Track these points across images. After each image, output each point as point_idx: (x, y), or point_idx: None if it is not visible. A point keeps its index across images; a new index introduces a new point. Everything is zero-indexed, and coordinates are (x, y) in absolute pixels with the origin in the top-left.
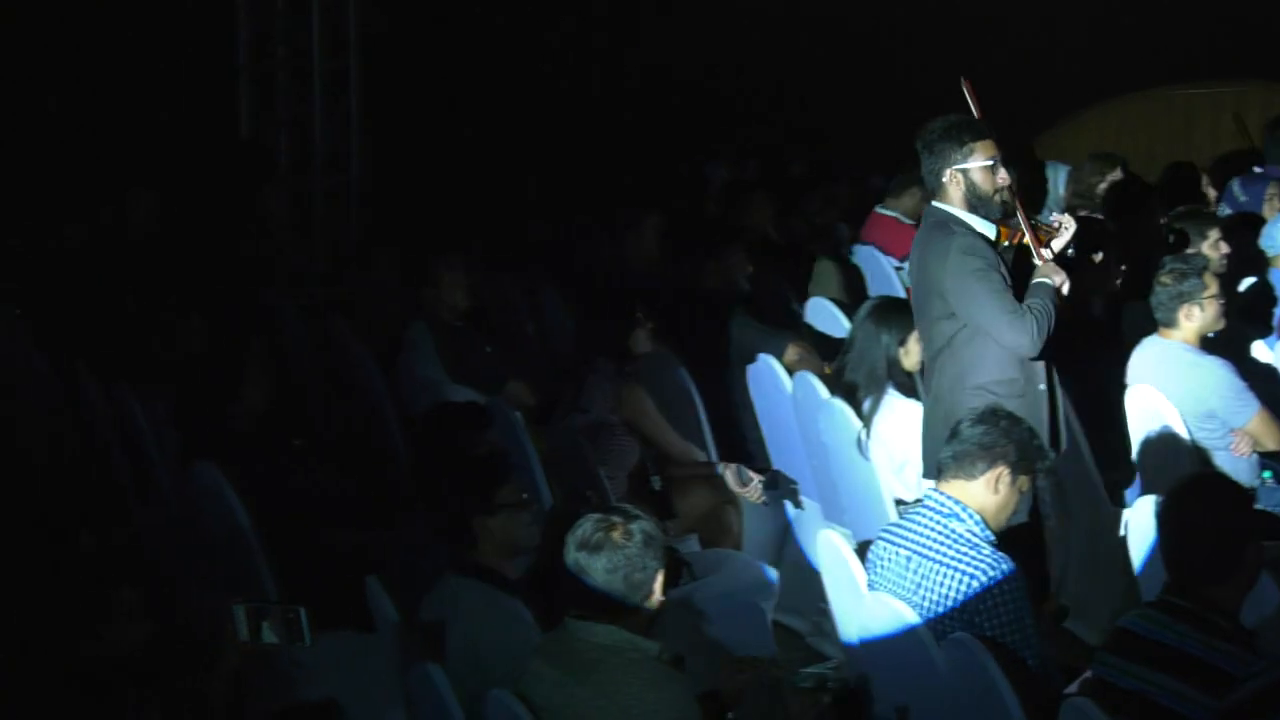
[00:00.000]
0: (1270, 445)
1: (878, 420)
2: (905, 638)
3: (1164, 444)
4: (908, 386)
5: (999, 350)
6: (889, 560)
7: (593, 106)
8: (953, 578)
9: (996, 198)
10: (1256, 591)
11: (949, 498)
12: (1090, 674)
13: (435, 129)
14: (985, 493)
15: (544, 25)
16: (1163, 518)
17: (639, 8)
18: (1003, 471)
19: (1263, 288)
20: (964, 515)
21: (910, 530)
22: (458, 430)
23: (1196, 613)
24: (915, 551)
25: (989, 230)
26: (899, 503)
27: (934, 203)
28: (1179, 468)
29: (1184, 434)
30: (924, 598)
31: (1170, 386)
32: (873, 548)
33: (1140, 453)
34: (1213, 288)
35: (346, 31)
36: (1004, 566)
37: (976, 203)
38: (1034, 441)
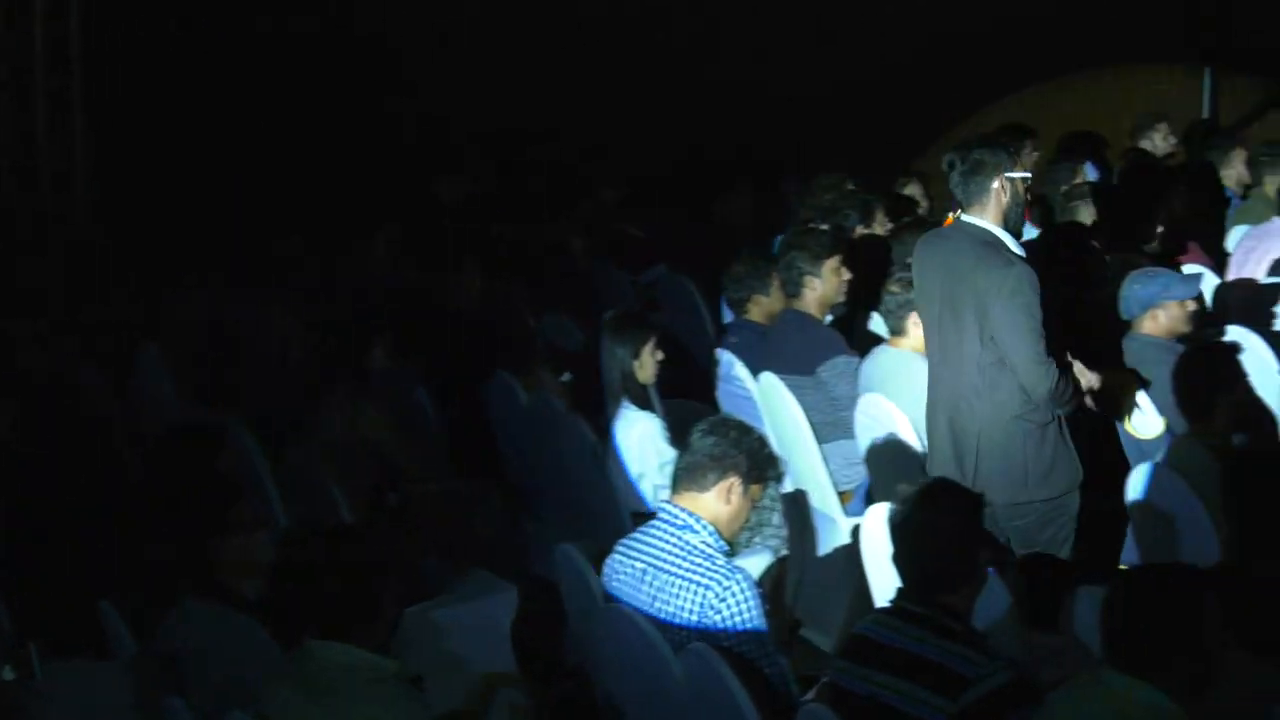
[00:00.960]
0: None
1: (617, 433)
2: (642, 650)
3: (895, 452)
4: (642, 399)
5: None
6: (626, 573)
7: (331, 121)
8: (688, 589)
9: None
10: (986, 594)
11: (682, 509)
12: (826, 681)
13: (165, 145)
14: (717, 503)
15: (279, 41)
16: (897, 525)
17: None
18: (734, 482)
19: None
20: (697, 526)
21: (646, 543)
22: (191, 451)
23: (930, 617)
24: (650, 564)
25: (1019, 249)
26: (635, 515)
27: (967, 217)
28: (910, 475)
29: (915, 442)
30: (660, 609)
31: (901, 394)
32: (609, 560)
33: (870, 461)
34: None
35: (69, 48)
36: (738, 577)
37: (1013, 213)
38: (764, 450)
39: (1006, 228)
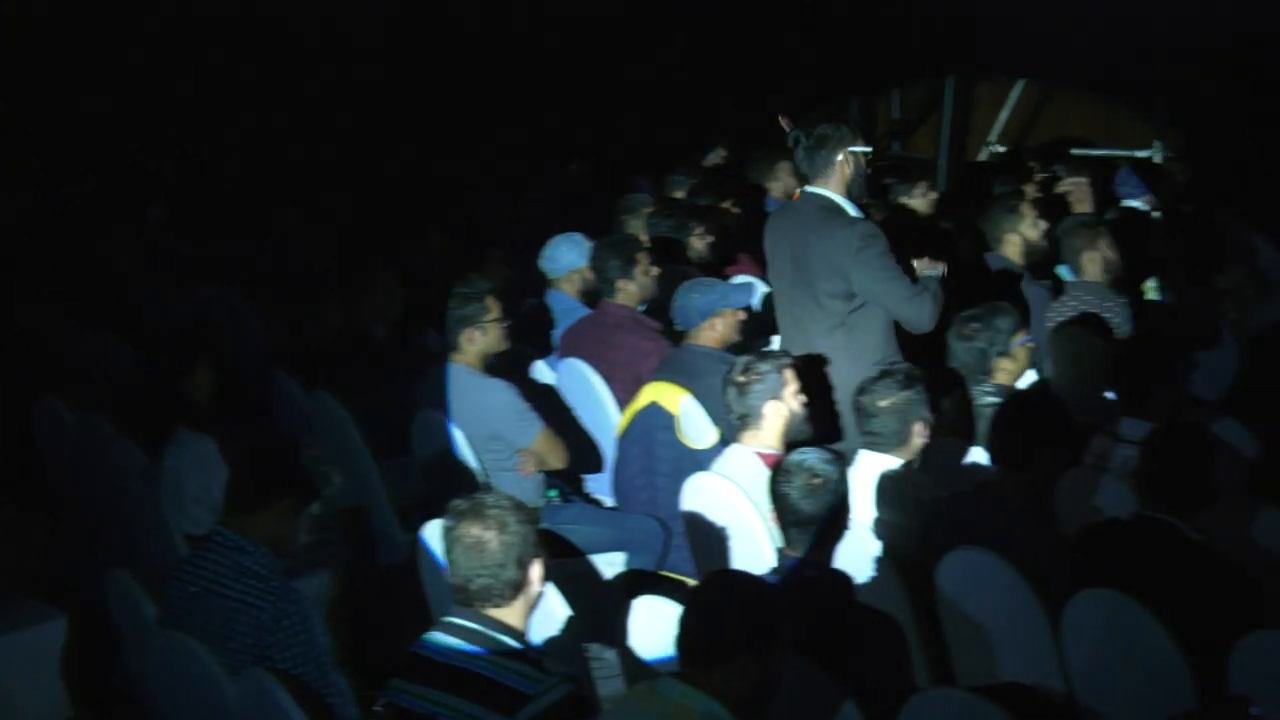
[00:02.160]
0: (555, 464)
1: (169, 456)
2: (197, 675)
3: (450, 467)
4: (196, 419)
5: (884, 327)
6: (180, 597)
7: None
8: (242, 612)
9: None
10: (543, 608)
11: (234, 532)
12: (384, 700)
13: None
14: (271, 524)
15: None
16: (450, 540)
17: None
18: (288, 502)
19: (541, 309)
20: (250, 548)
21: (201, 566)
22: None
23: (484, 633)
24: (206, 587)
25: (858, 213)
26: (189, 538)
27: (810, 188)
28: (464, 490)
29: (470, 456)
30: (216, 633)
31: (455, 409)
32: (165, 585)
33: (427, 476)
34: (495, 311)
35: None
36: (294, 597)
37: (854, 183)
38: (319, 469)
39: (849, 197)
